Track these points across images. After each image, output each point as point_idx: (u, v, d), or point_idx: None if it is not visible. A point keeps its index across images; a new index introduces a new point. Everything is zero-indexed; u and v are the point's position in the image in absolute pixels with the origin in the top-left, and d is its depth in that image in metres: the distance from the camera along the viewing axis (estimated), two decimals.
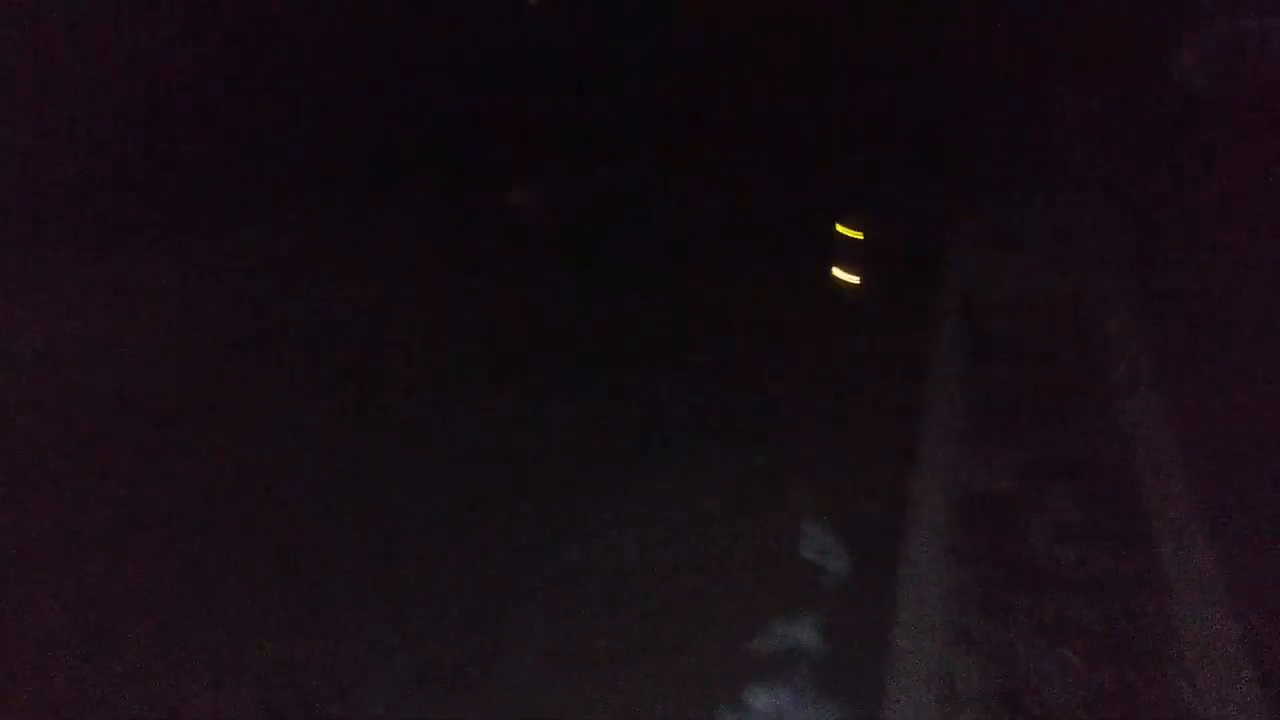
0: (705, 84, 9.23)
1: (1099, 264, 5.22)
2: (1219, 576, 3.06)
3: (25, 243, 6.75)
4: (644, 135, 8.31)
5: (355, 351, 5.22)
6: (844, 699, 2.87)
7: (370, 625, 3.26)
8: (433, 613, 3.31)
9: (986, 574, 3.15)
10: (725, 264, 5.97)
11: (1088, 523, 3.37)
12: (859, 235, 5.72)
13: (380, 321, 5.52)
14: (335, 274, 6.07)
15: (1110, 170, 6.37)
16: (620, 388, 4.70)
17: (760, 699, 2.89)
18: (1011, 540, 3.30)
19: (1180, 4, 8.07)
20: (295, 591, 3.44)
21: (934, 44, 9.79)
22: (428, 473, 4.11)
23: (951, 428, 3.99)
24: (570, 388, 4.73)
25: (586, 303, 5.63)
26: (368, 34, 10.60)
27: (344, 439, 4.39)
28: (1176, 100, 7.26)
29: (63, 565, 3.60)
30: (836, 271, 5.54)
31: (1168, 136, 6.72)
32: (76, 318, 5.71)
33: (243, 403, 4.75)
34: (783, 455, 4.10)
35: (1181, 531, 3.29)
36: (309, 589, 3.45)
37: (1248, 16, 7.63)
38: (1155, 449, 3.73)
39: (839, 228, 5.54)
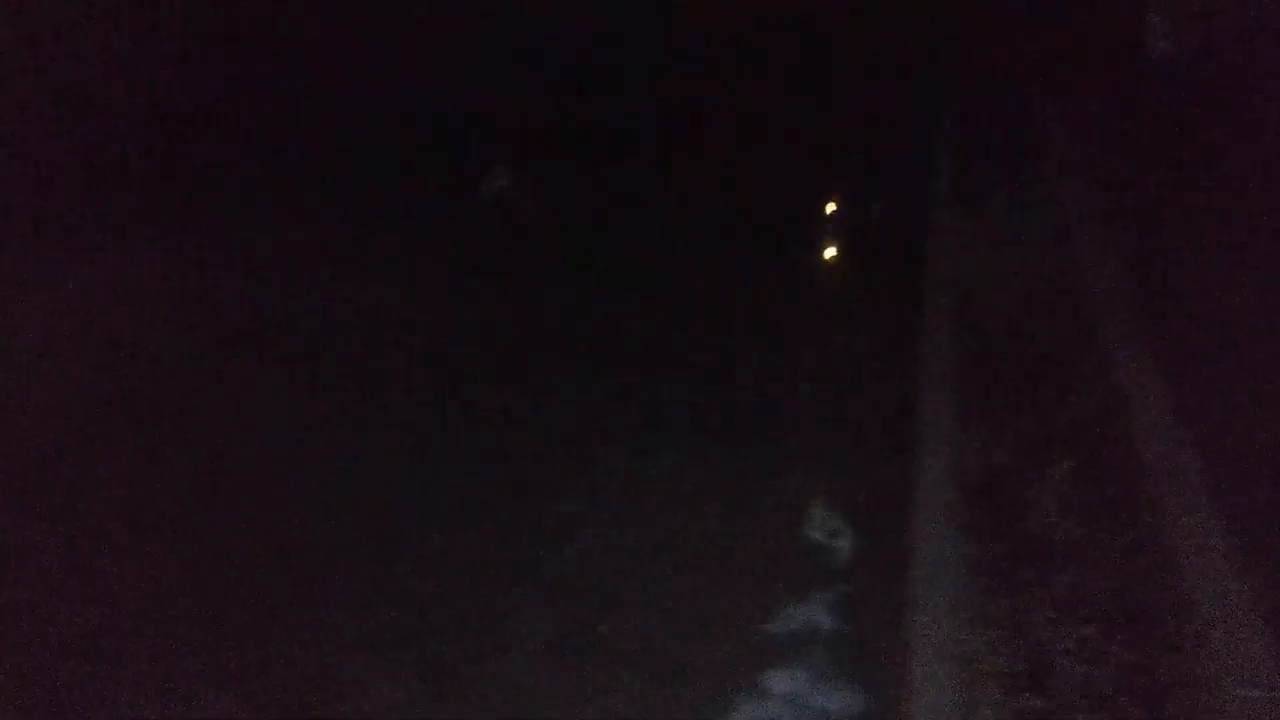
0: (705, 84, 9.23)
1: (1096, 254, 5.22)
2: (1228, 544, 3.04)
3: (25, 242, 6.75)
4: (644, 135, 8.31)
5: (355, 351, 5.21)
6: (862, 682, 2.87)
7: (370, 625, 3.26)
8: (432, 612, 3.31)
9: (999, 550, 3.14)
10: (725, 264, 5.97)
11: (1093, 494, 3.36)
12: (856, 232, 5.73)
13: (380, 321, 5.52)
14: (335, 274, 6.06)
15: (1110, 170, 6.37)
16: (620, 388, 4.70)
17: (772, 687, 2.89)
18: (1019, 515, 3.29)
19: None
20: (295, 591, 3.44)
21: (934, 44, 9.81)
22: (428, 473, 4.11)
23: (952, 417, 3.98)
24: (570, 388, 4.73)
25: (586, 303, 5.62)
26: (368, 34, 10.61)
27: (344, 439, 4.39)
28: (1175, 99, 7.26)
29: (63, 565, 3.60)
30: (832, 266, 5.54)
31: (1168, 136, 6.71)
32: (76, 318, 5.71)
33: (243, 402, 4.75)
34: (783, 455, 4.10)
35: (1186, 498, 3.27)
36: (309, 589, 3.45)
37: None
38: (1156, 417, 3.71)
39: (837, 226, 5.54)
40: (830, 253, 5.93)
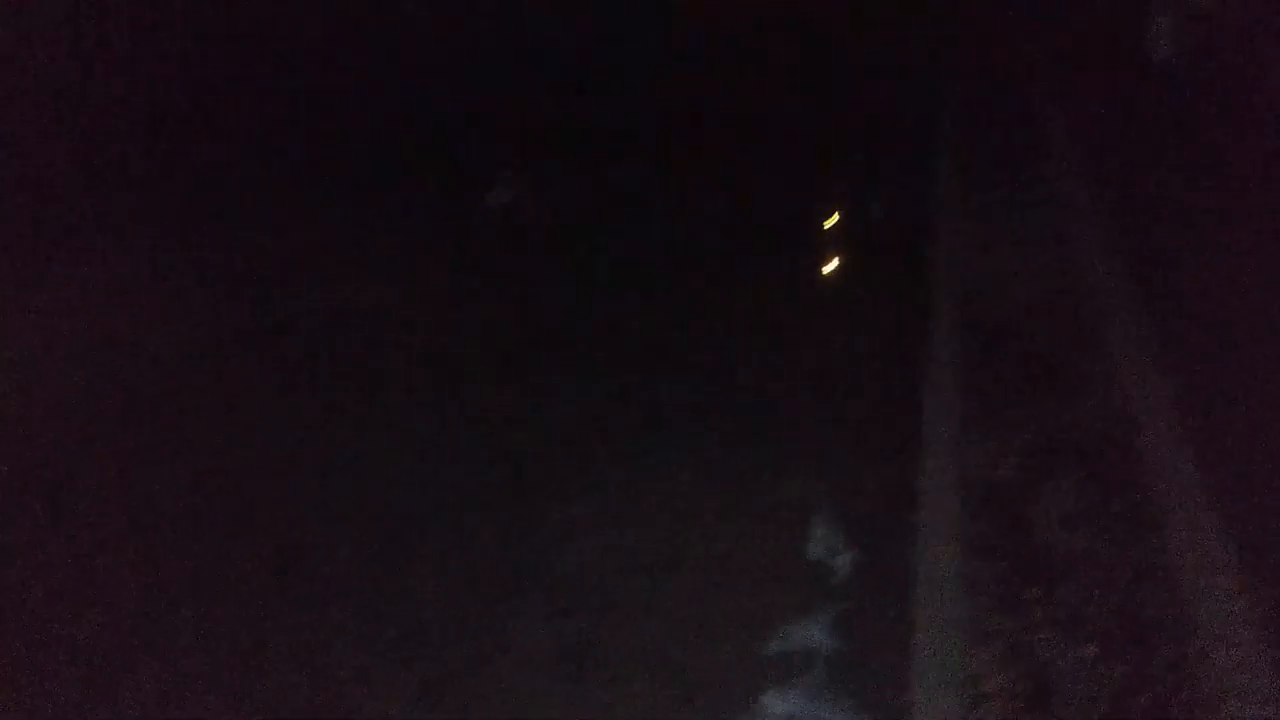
0: (705, 84, 9.23)
1: (1096, 254, 5.22)
2: (1232, 561, 3.03)
3: (25, 243, 6.75)
4: (644, 135, 8.30)
5: (355, 351, 5.21)
6: (863, 701, 2.85)
7: (370, 627, 3.26)
8: (433, 614, 3.31)
9: (1001, 567, 3.13)
10: (725, 264, 5.96)
11: (1095, 508, 3.35)
12: (856, 232, 5.71)
13: (380, 321, 5.51)
14: (335, 274, 6.06)
15: (1111, 170, 6.37)
16: (620, 388, 4.69)
17: (775, 703, 2.87)
18: (1021, 530, 3.28)
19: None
20: (295, 592, 3.44)
21: (934, 44, 9.81)
22: (428, 473, 4.11)
23: (953, 417, 3.98)
24: (570, 388, 4.72)
25: (586, 303, 5.62)
26: (368, 34, 10.62)
27: (344, 439, 4.39)
28: (1175, 97, 7.26)
29: (63, 565, 3.60)
30: (832, 266, 5.54)
31: (1168, 136, 6.71)
32: (76, 318, 5.71)
33: (242, 402, 4.74)
34: (783, 455, 4.10)
35: (1190, 513, 3.25)
36: (308, 589, 3.45)
37: None
38: (1160, 427, 3.70)
39: (838, 226, 5.53)
40: (831, 253, 5.91)
